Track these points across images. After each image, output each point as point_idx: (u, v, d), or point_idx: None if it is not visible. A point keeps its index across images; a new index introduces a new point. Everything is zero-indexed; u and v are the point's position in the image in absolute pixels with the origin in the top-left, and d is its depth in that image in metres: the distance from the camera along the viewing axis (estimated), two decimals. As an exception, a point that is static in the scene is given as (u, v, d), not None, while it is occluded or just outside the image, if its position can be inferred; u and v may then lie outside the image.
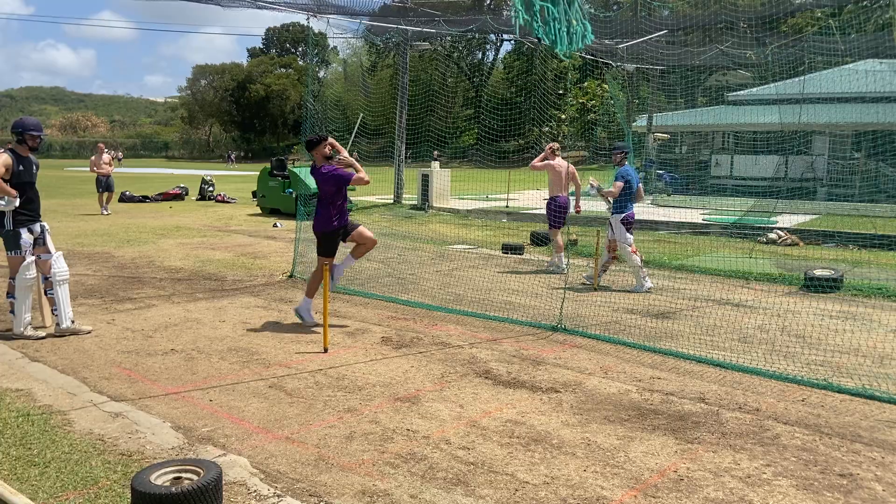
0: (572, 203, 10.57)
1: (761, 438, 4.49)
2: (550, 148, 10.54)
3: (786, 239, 13.37)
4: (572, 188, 10.64)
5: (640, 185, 9.45)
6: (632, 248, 9.06)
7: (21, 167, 6.51)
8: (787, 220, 15.46)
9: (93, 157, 18.73)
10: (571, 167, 10.30)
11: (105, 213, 18.07)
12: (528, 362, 6.07)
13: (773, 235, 13.57)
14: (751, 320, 7.64)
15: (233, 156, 67.53)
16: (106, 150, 19.00)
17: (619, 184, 8.94)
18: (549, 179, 10.50)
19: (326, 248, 7.11)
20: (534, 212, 18.42)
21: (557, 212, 10.23)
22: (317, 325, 6.96)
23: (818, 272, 9.46)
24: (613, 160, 9.24)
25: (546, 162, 10.44)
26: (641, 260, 9.33)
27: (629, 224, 9.12)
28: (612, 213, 9.17)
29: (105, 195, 18.37)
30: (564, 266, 9.94)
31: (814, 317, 7.75)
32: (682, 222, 15.59)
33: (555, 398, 5.19)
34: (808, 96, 20.42)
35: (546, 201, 10.57)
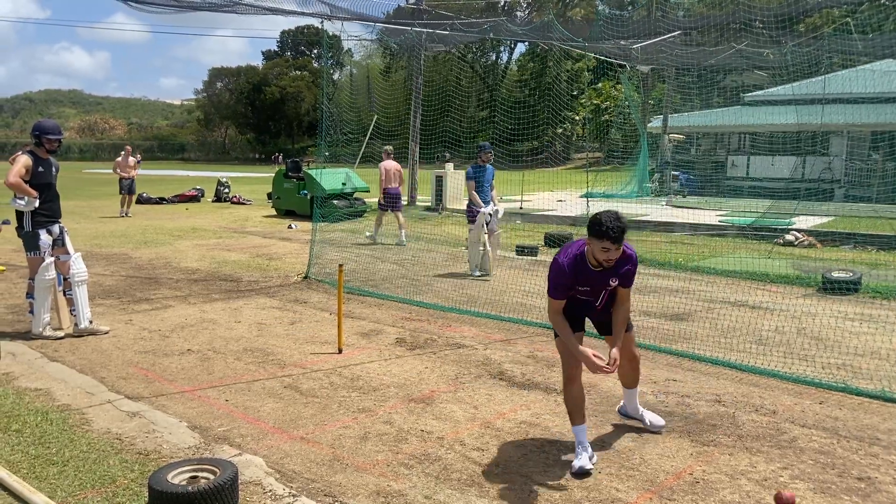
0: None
1: (778, 441, 4.45)
2: (386, 152, 13.73)
3: (803, 240, 13.25)
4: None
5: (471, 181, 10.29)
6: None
7: (41, 168, 6.59)
8: (804, 222, 15.32)
9: (118, 159, 18.76)
10: (399, 167, 13.71)
11: (124, 215, 18.20)
12: (543, 364, 6.06)
13: (790, 237, 13.45)
14: (768, 322, 7.57)
15: (280, 157, 68.24)
16: (131, 154, 19.05)
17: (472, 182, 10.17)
18: (385, 176, 13.50)
19: None
20: (547, 213, 18.37)
21: (389, 198, 13.47)
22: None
23: (836, 274, 9.37)
24: (487, 160, 10.28)
25: (381, 164, 13.58)
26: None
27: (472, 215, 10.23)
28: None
29: (126, 198, 18.49)
30: (376, 237, 13.64)
31: (832, 319, 7.67)
32: (697, 223, 15.49)
33: (569, 400, 5.17)
34: (825, 96, 20.23)
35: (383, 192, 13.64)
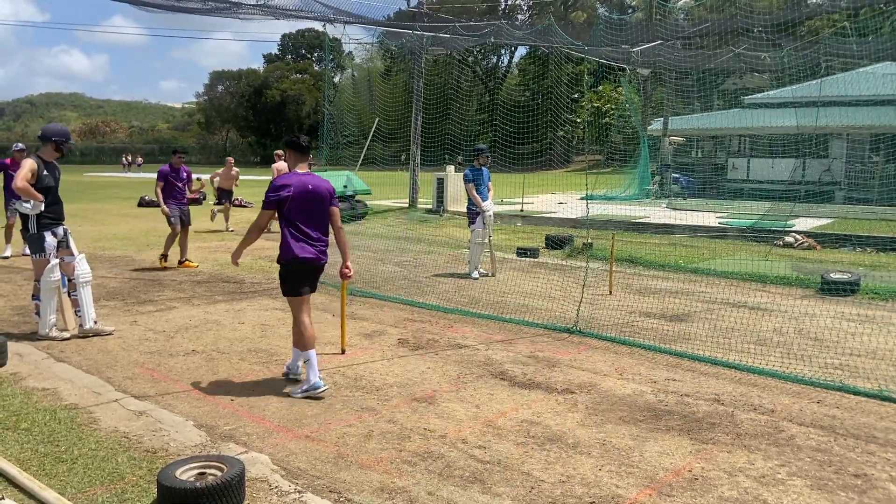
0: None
1: (776, 439, 4.51)
2: (277, 154, 15.41)
3: (803, 242, 13.31)
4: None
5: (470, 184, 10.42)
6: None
7: (46, 172, 6.67)
8: (804, 224, 15.39)
9: (221, 170, 17.09)
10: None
11: (230, 229, 16.72)
12: (544, 364, 6.12)
13: (790, 238, 13.52)
14: (767, 323, 7.63)
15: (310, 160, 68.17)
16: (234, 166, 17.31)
17: (470, 185, 10.32)
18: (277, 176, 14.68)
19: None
20: (548, 215, 18.45)
21: None
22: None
23: (835, 275, 9.43)
24: (485, 162, 10.54)
25: (273, 165, 15.46)
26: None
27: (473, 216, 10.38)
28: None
29: (228, 207, 16.97)
30: None
31: (830, 320, 7.74)
32: (697, 225, 15.56)
33: (570, 399, 5.24)
34: (825, 99, 20.29)
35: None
